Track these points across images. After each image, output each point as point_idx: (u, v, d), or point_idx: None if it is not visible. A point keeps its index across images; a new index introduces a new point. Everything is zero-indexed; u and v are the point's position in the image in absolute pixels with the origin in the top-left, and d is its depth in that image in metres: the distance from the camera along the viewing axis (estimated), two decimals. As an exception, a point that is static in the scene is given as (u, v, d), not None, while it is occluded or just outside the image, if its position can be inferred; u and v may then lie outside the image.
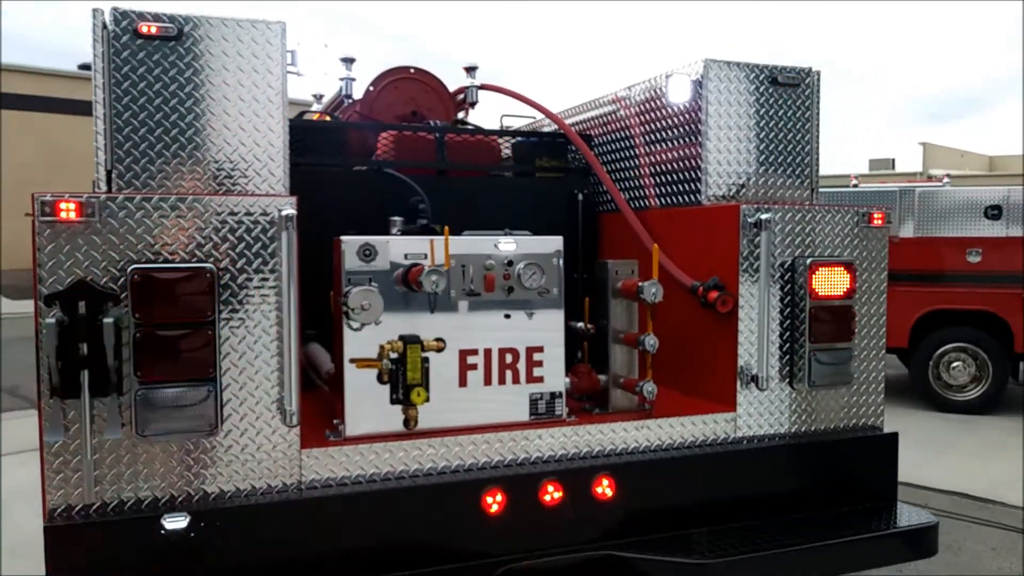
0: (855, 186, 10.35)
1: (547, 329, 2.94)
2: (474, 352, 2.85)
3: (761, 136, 3.39)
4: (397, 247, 2.76)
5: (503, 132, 4.21)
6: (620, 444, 2.98)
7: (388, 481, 2.68)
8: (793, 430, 3.23)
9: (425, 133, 3.91)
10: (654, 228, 3.60)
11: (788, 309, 3.18)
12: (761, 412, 3.18)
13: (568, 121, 4.48)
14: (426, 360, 2.73)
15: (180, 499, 2.45)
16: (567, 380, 3.08)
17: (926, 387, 9.44)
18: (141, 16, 2.60)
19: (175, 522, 2.38)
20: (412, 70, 4.41)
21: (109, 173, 2.58)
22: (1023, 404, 9.59)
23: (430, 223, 3.60)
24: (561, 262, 2.96)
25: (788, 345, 3.19)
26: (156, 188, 2.60)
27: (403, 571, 2.60)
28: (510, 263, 2.87)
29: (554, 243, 2.96)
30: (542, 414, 2.94)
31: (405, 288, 2.75)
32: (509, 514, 2.74)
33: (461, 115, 4.53)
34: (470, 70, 4.43)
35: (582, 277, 4.10)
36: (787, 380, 3.21)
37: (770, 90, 3.40)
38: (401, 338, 2.69)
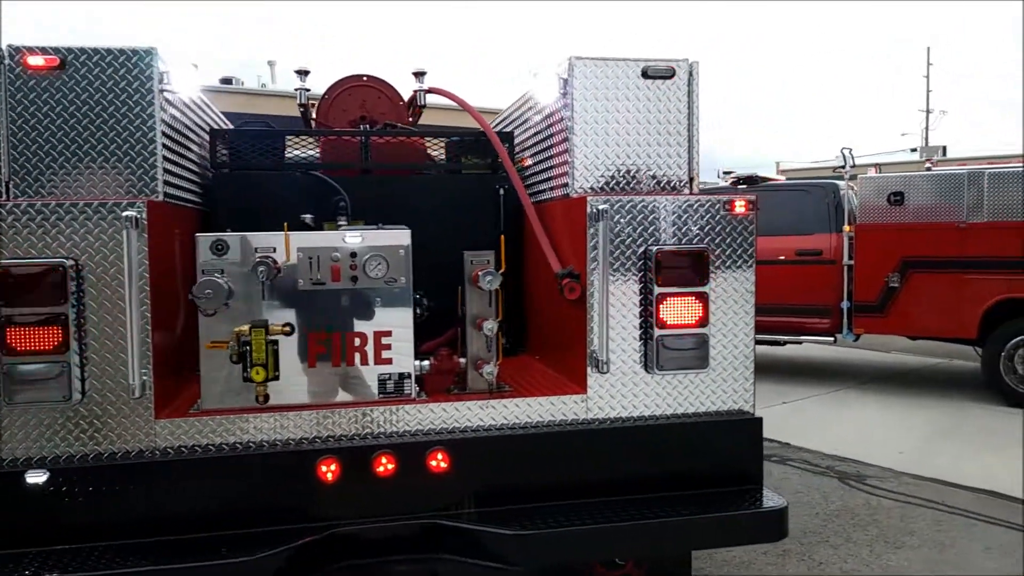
0: (928, 169, 9.84)
1: (395, 315, 3.20)
2: (322, 336, 3.15)
3: (632, 129, 3.49)
4: (248, 242, 3.11)
5: (425, 132, 4.46)
6: (464, 422, 3.21)
7: (235, 449, 3.03)
8: (648, 412, 3.33)
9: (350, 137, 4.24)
10: (552, 219, 3.77)
11: (641, 296, 3.29)
12: (613, 395, 3.31)
13: (504, 120, 4.69)
14: (275, 343, 3.07)
15: (47, 458, 2.90)
16: (425, 363, 3.33)
17: (997, 380, 8.91)
18: (30, 50, 3.07)
19: (36, 477, 2.83)
20: (365, 77, 4.74)
21: (7, 183, 3.06)
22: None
23: (349, 219, 3.93)
24: (409, 254, 3.20)
25: (641, 331, 3.30)
26: (47, 195, 3.06)
27: (240, 530, 2.95)
28: (354, 255, 3.15)
29: (401, 237, 3.21)
30: (391, 393, 3.21)
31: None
32: (343, 482, 3.03)
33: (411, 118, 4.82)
34: (419, 75, 4.72)
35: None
36: (642, 364, 3.32)
37: (641, 83, 3.49)
38: (250, 323, 3.04)
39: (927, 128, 54.51)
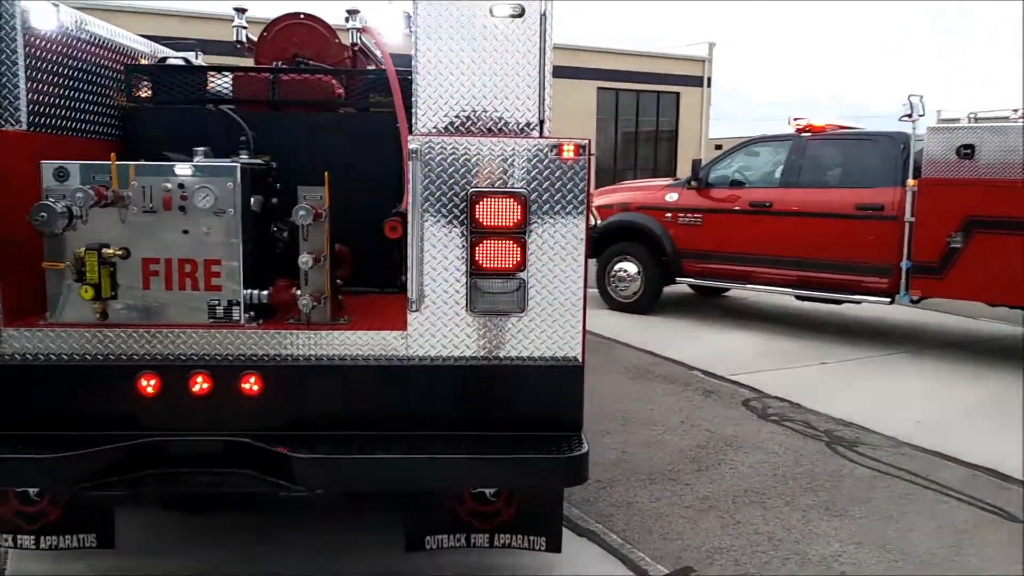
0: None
1: (224, 244, 3.37)
2: (156, 261, 3.37)
3: (479, 70, 3.44)
4: (88, 170, 3.34)
5: (334, 71, 4.54)
6: (282, 350, 3.36)
7: (72, 359, 3.32)
8: (470, 353, 3.37)
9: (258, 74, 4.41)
10: None
11: (459, 238, 3.30)
12: (434, 334, 3.36)
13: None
14: (111, 265, 3.33)
15: None
16: (264, 292, 3.49)
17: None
18: None
19: None
20: (302, 15, 4.87)
21: None
22: None
23: (251, 154, 4.11)
24: (237, 186, 3.35)
25: (460, 272, 3.32)
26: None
27: (72, 432, 3.26)
28: (182, 186, 3.33)
29: (230, 170, 3.36)
30: (220, 318, 3.40)
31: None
32: (161, 397, 3.28)
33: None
34: (352, 13, 4.80)
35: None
36: (465, 306, 3.35)
37: (489, 22, 3.43)
38: (85, 246, 3.31)
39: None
